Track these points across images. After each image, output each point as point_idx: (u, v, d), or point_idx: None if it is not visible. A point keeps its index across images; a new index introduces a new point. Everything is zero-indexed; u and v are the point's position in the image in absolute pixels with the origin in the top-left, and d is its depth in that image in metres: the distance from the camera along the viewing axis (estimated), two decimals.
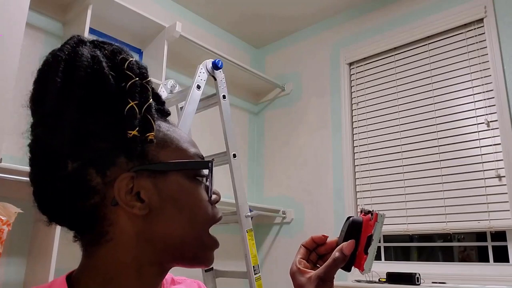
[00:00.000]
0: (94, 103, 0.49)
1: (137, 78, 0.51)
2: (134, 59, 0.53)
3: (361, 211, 0.62)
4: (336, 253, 0.58)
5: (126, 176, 0.48)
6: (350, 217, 0.62)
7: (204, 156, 0.59)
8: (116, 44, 0.54)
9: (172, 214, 0.51)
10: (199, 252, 0.53)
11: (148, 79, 0.53)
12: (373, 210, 0.60)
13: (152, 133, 0.50)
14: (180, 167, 0.52)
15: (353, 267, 0.59)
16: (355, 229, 0.60)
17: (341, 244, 0.59)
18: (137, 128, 0.49)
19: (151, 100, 0.52)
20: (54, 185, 0.48)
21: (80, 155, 0.48)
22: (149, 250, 0.50)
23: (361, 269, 0.58)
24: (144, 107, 0.50)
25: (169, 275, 0.63)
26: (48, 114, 0.48)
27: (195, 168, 0.54)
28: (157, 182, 0.50)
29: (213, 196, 0.56)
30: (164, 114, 0.58)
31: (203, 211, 0.53)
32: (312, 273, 0.59)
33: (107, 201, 0.49)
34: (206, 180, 0.55)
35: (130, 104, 0.49)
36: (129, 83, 0.50)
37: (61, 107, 0.48)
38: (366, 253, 0.58)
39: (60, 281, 0.51)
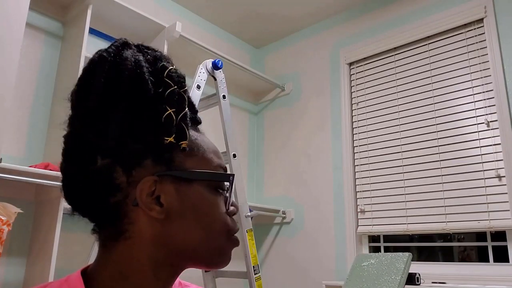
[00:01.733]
0: (133, 105, 0.51)
1: (176, 87, 0.53)
2: (174, 67, 0.55)
3: None
4: None
5: (150, 179, 0.50)
6: None
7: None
8: (159, 51, 0.56)
9: (190, 222, 0.52)
10: (215, 258, 0.55)
11: (185, 88, 0.55)
12: None
13: (186, 142, 0.52)
14: (204, 178, 0.53)
15: None
16: None
17: None
18: (173, 135, 0.51)
19: (187, 109, 0.54)
20: (82, 178, 0.51)
21: (111, 152, 0.50)
22: (165, 252, 0.51)
23: None
24: (180, 115, 0.52)
25: (177, 280, 0.64)
26: (89, 110, 0.51)
27: (219, 180, 0.55)
28: (180, 189, 0.52)
29: (231, 208, 0.56)
30: (195, 122, 0.59)
31: (221, 222, 0.54)
32: None
33: (129, 200, 0.50)
34: (226, 192, 0.56)
35: (168, 112, 0.51)
36: (168, 90, 0.52)
37: (102, 105, 0.50)
38: None
39: (76, 276, 0.52)
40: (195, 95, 1.74)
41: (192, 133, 0.56)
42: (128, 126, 0.50)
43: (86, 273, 0.53)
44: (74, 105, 0.53)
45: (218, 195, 0.55)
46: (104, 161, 0.50)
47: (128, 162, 0.50)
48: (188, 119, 0.53)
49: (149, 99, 0.51)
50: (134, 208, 0.50)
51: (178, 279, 0.63)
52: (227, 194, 0.56)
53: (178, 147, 0.51)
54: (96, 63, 0.52)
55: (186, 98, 0.54)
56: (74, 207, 0.53)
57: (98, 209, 0.52)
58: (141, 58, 0.53)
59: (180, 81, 0.54)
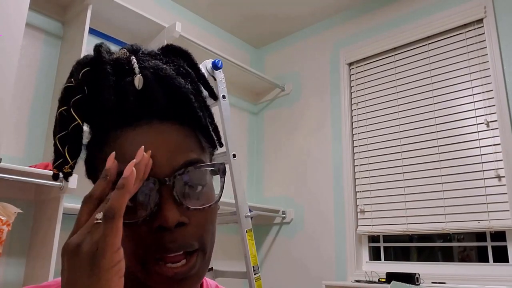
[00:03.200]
0: None
1: (63, 107, 0.48)
2: (67, 84, 0.49)
3: None
4: None
5: None
6: None
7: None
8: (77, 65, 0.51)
9: None
10: (148, 284, 0.44)
11: (62, 108, 0.48)
12: None
13: (66, 166, 0.49)
14: None
15: None
16: None
17: None
18: (56, 164, 0.49)
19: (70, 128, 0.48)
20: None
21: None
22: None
23: None
24: (59, 138, 0.49)
25: (213, 282, 0.61)
26: None
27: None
28: None
29: (154, 222, 0.43)
30: (126, 119, 0.47)
31: (125, 241, 0.41)
32: None
33: None
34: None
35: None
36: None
37: None
38: None
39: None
40: None
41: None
42: None
43: None
44: None
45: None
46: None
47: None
48: (68, 141, 0.48)
49: (54, 132, 0.51)
50: None
51: (215, 283, 0.60)
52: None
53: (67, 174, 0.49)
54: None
55: (59, 115, 0.48)
56: None
57: None
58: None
59: (63, 97, 0.48)
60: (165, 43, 2.15)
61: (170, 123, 0.47)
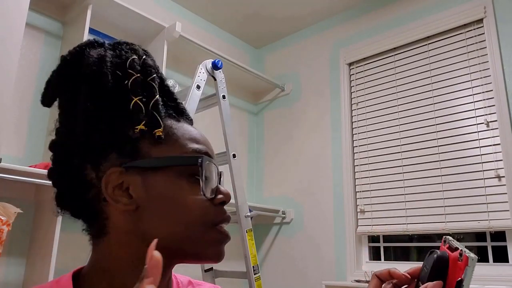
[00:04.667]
0: (94, 100, 0.50)
1: (138, 75, 0.51)
2: (136, 57, 0.53)
3: (444, 242, 0.55)
4: None
5: (114, 171, 0.49)
6: (433, 251, 0.55)
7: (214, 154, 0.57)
8: (137, 46, 0.56)
9: (160, 212, 0.49)
10: (200, 250, 0.50)
11: (153, 76, 0.53)
12: (461, 250, 0.53)
13: (160, 129, 0.50)
14: (168, 163, 0.50)
15: None
16: (441, 268, 0.53)
17: (426, 284, 0.53)
18: (143, 123, 0.49)
19: (158, 96, 0.52)
20: (58, 177, 0.52)
21: (79, 150, 0.50)
22: (143, 247, 0.46)
23: None
24: (151, 104, 0.51)
25: (185, 278, 0.62)
26: (59, 113, 0.53)
27: (186, 164, 0.51)
28: (146, 178, 0.49)
29: (218, 196, 0.52)
30: (178, 112, 0.57)
31: (197, 210, 0.50)
32: None
33: (101, 195, 0.49)
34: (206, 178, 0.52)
35: (134, 100, 0.50)
36: (130, 80, 0.51)
37: (67, 105, 0.52)
38: None
39: (67, 276, 0.51)
40: (195, 95, 1.73)
41: (168, 121, 0.54)
42: (91, 121, 0.49)
43: (79, 274, 0.53)
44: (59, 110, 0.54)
45: (193, 182, 0.51)
46: (75, 159, 0.50)
47: (94, 157, 0.50)
48: (160, 106, 0.52)
49: (110, 91, 0.50)
50: (106, 203, 0.49)
51: (188, 279, 0.62)
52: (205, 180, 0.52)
53: (150, 135, 0.50)
54: (58, 65, 0.53)
55: (155, 86, 0.52)
56: (61, 207, 0.53)
57: (78, 207, 0.51)
58: (108, 54, 0.52)
59: (145, 69, 0.52)
60: (165, 43, 2.14)
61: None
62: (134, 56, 0.53)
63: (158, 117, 0.51)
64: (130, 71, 0.51)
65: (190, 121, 0.59)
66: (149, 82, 0.52)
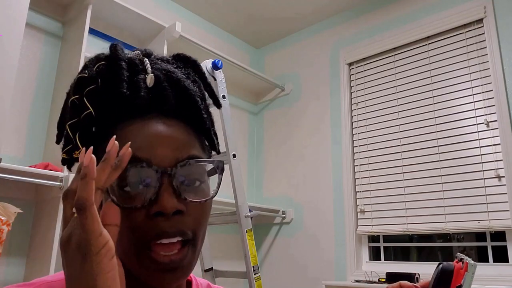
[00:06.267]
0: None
1: (73, 96, 0.51)
2: (81, 75, 0.52)
3: (456, 258, 0.59)
4: None
5: None
6: (441, 263, 0.59)
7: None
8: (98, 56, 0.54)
9: None
10: (142, 275, 0.46)
11: (87, 89, 0.50)
12: (464, 258, 0.57)
13: (76, 152, 0.51)
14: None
15: None
16: (445, 277, 0.57)
17: None
18: (65, 149, 0.52)
19: (83, 115, 0.50)
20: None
21: None
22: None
23: None
24: (71, 126, 0.51)
25: (205, 281, 0.62)
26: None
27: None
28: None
29: (152, 208, 0.44)
30: (135, 111, 0.49)
31: (123, 227, 0.43)
32: None
33: None
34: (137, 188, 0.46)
35: (66, 126, 0.52)
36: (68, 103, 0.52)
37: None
38: None
39: None
40: None
41: (119, 127, 0.49)
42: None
43: None
44: None
45: (124, 193, 0.45)
46: None
47: None
48: (79, 128, 0.50)
49: (64, 119, 0.53)
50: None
51: (207, 282, 0.62)
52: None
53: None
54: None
55: (71, 103, 0.50)
56: None
57: None
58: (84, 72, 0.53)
59: (77, 87, 0.51)
60: (165, 43, 2.14)
61: (177, 121, 0.50)
62: (79, 75, 0.52)
63: (75, 140, 0.51)
64: (71, 91, 0.52)
65: (168, 110, 0.51)
66: (73, 101, 0.51)
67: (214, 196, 0.50)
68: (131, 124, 0.49)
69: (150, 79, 0.50)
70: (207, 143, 0.55)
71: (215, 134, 0.57)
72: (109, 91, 0.49)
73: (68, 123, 0.51)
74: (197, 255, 0.49)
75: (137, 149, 0.45)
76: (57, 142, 0.53)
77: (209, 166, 0.50)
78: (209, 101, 0.58)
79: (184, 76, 0.53)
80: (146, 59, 0.53)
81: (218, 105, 0.60)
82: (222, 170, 0.51)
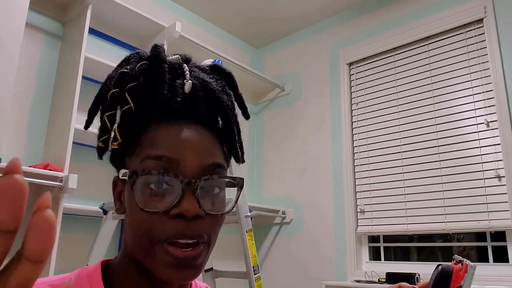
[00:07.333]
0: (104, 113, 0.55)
1: (113, 89, 0.53)
2: (118, 70, 0.54)
3: (453, 259, 0.59)
4: None
5: (115, 178, 0.54)
6: (439, 265, 0.59)
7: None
8: (135, 53, 0.57)
9: (127, 222, 0.51)
10: (154, 268, 0.48)
11: (128, 85, 0.52)
12: (463, 260, 0.58)
13: (114, 143, 0.53)
14: (126, 176, 0.49)
15: None
16: (444, 279, 0.57)
17: None
18: (102, 138, 0.53)
19: (119, 108, 0.53)
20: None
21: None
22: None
23: None
24: (110, 117, 0.53)
25: (204, 284, 0.64)
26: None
27: (132, 175, 0.48)
28: (125, 188, 0.53)
29: (174, 210, 0.47)
30: (170, 114, 0.52)
31: (142, 224, 0.48)
32: None
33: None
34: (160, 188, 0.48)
35: (103, 117, 0.54)
36: (108, 95, 0.53)
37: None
38: None
39: (96, 265, 0.54)
40: None
41: (153, 127, 0.51)
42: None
43: (107, 263, 0.55)
44: None
45: (148, 192, 0.48)
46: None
47: (113, 163, 0.55)
48: (118, 118, 0.53)
49: (103, 110, 0.54)
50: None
51: (206, 285, 0.64)
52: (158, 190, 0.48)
53: (126, 147, 0.52)
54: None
55: (111, 96, 0.52)
56: None
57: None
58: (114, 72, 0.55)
59: (118, 81, 0.52)
60: (165, 43, 2.14)
61: (206, 129, 0.53)
62: (117, 70, 0.54)
63: (114, 131, 0.53)
64: (110, 86, 0.54)
65: (191, 119, 0.53)
66: (113, 94, 0.53)
67: (230, 212, 0.53)
68: (165, 125, 0.51)
69: (188, 86, 0.52)
70: (226, 151, 0.57)
71: (241, 146, 0.60)
72: (150, 91, 0.51)
73: (106, 114, 0.53)
74: (208, 257, 0.51)
75: (168, 150, 0.49)
76: (85, 127, 0.56)
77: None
78: (238, 111, 0.62)
79: (219, 88, 0.56)
80: (185, 65, 0.55)
81: (246, 116, 0.64)
82: (242, 187, 0.54)
